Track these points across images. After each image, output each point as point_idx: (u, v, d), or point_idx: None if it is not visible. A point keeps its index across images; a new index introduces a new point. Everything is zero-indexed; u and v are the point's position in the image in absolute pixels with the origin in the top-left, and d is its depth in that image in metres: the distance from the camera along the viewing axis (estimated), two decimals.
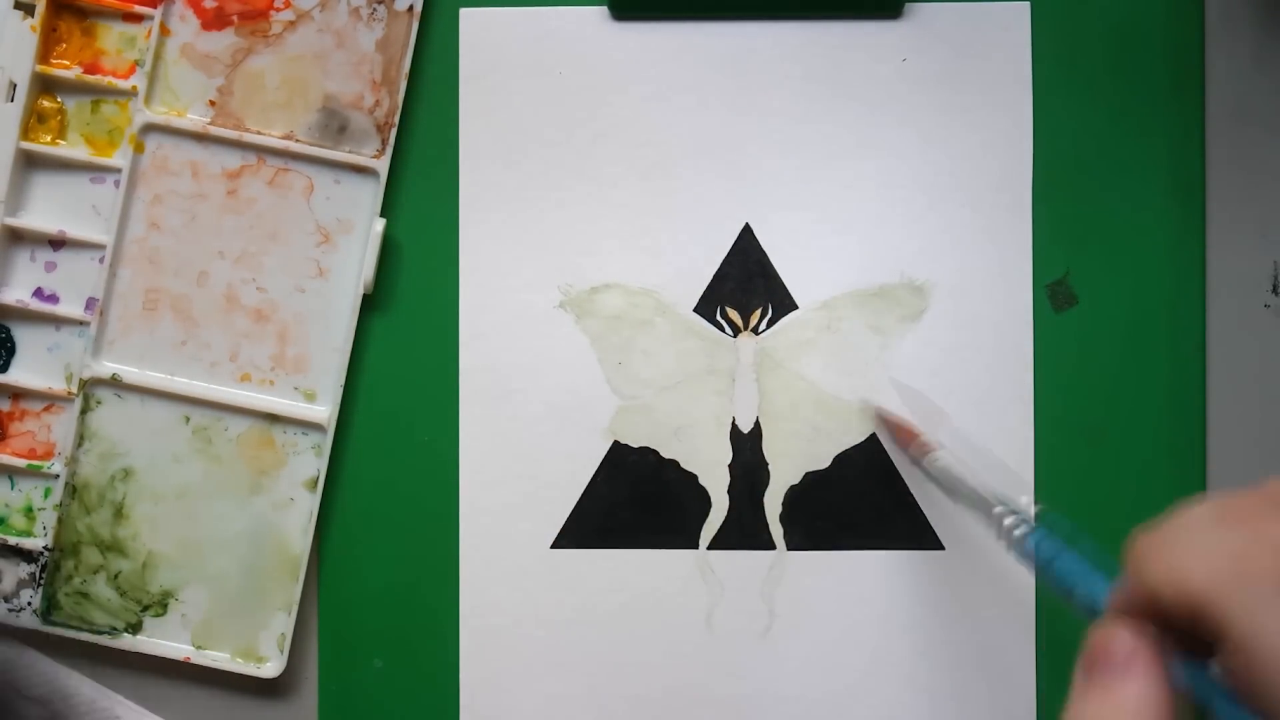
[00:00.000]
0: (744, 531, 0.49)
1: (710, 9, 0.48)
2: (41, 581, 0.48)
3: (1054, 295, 0.49)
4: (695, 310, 0.49)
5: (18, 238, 0.49)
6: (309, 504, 0.48)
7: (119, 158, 0.48)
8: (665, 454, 0.49)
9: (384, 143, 0.48)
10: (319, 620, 0.49)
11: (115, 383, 0.48)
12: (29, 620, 0.48)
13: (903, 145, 0.49)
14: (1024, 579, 0.48)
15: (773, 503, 0.49)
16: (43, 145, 0.48)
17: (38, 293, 0.49)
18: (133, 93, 0.48)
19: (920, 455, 0.46)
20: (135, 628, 0.49)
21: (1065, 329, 0.49)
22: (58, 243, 0.49)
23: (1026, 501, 0.42)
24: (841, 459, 0.49)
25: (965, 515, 0.48)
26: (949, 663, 0.49)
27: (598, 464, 0.49)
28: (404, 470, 0.49)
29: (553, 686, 0.49)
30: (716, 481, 0.49)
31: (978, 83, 0.49)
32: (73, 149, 0.48)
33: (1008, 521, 0.41)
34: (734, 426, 0.49)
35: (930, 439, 0.46)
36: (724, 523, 0.49)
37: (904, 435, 0.47)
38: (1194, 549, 0.31)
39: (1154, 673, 0.32)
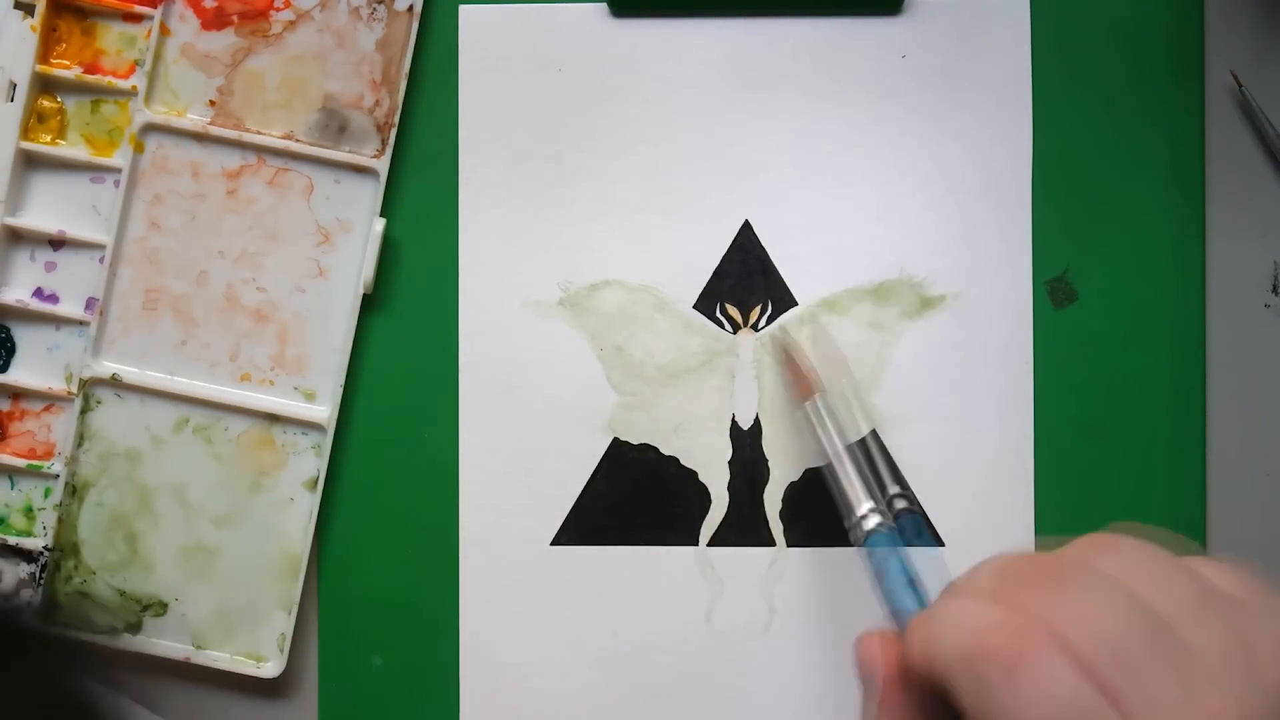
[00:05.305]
0: (744, 528, 0.49)
1: (710, 6, 0.48)
2: (41, 581, 0.48)
3: (1054, 292, 0.49)
4: (695, 307, 0.49)
5: (18, 238, 0.49)
6: (309, 504, 0.48)
7: (119, 158, 0.48)
8: (665, 450, 0.49)
9: (384, 142, 0.48)
10: (319, 620, 0.49)
11: (115, 383, 0.48)
12: (29, 620, 0.48)
13: (902, 141, 0.49)
14: None
15: (773, 499, 0.49)
16: (43, 145, 0.48)
17: (38, 293, 0.49)
18: (133, 93, 0.48)
19: (803, 397, 0.46)
20: (135, 628, 0.49)
21: (1065, 326, 0.49)
22: (58, 243, 0.49)
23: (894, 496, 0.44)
24: None
25: (965, 511, 0.48)
26: None
27: (597, 461, 0.49)
28: (404, 470, 0.49)
29: (553, 684, 0.49)
30: (716, 478, 0.49)
31: (977, 79, 0.49)
32: (73, 149, 0.49)
33: (860, 513, 0.43)
34: (734, 423, 0.49)
35: (818, 384, 0.46)
36: (724, 519, 0.49)
37: (796, 369, 0.47)
38: (950, 620, 0.31)
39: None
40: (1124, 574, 0.30)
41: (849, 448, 0.45)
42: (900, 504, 0.44)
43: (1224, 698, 0.28)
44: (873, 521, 0.43)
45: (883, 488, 0.45)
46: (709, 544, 0.49)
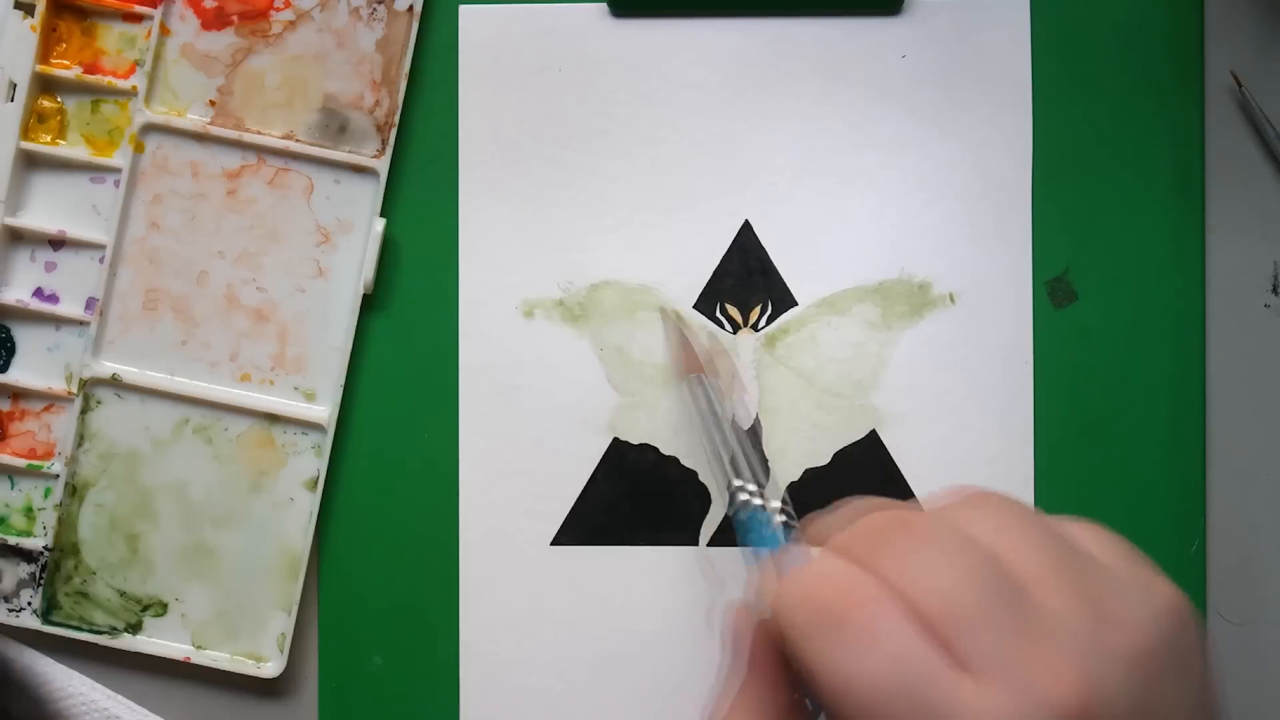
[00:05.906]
0: None
1: (710, 5, 0.48)
2: (41, 581, 0.48)
3: (1054, 292, 0.49)
4: (695, 307, 0.49)
5: (18, 238, 0.49)
6: (309, 504, 0.48)
7: (119, 158, 0.48)
8: (665, 450, 0.49)
9: (384, 142, 0.48)
10: (319, 620, 0.49)
11: (115, 383, 0.48)
12: (29, 620, 0.48)
13: (902, 141, 0.49)
14: None
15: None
16: (43, 145, 0.48)
17: (38, 293, 0.49)
18: (133, 93, 0.48)
19: (684, 375, 0.46)
20: (135, 628, 0.49)
21: (1065, 326, 0.49)
22: (58, 243, 0.49)
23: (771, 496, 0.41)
24: (841, 456, 0.49)
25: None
26: None
27: (597, 461, 0.49)
28: (404, 470, 0.49)
29: (553, 684, 0.49)
30: (716, 478, 0.49)
31: (977, 79, 0.49)
32: (73, 149, 0.49)
33: (736, 484, 0.41)
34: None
35: (706, 367, 0.46)
36: (724, 519, 0.49)
37: (687, 348, 0.47)
38: (794, 576, 0.31)
39: (770, 681, 0.32)
40: (981, 531, 0.30)
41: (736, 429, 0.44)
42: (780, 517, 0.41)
43: (1066, 656, 0.28)
44: (748, 495, 0.40)
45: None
46: (709, 544, 0.49)
